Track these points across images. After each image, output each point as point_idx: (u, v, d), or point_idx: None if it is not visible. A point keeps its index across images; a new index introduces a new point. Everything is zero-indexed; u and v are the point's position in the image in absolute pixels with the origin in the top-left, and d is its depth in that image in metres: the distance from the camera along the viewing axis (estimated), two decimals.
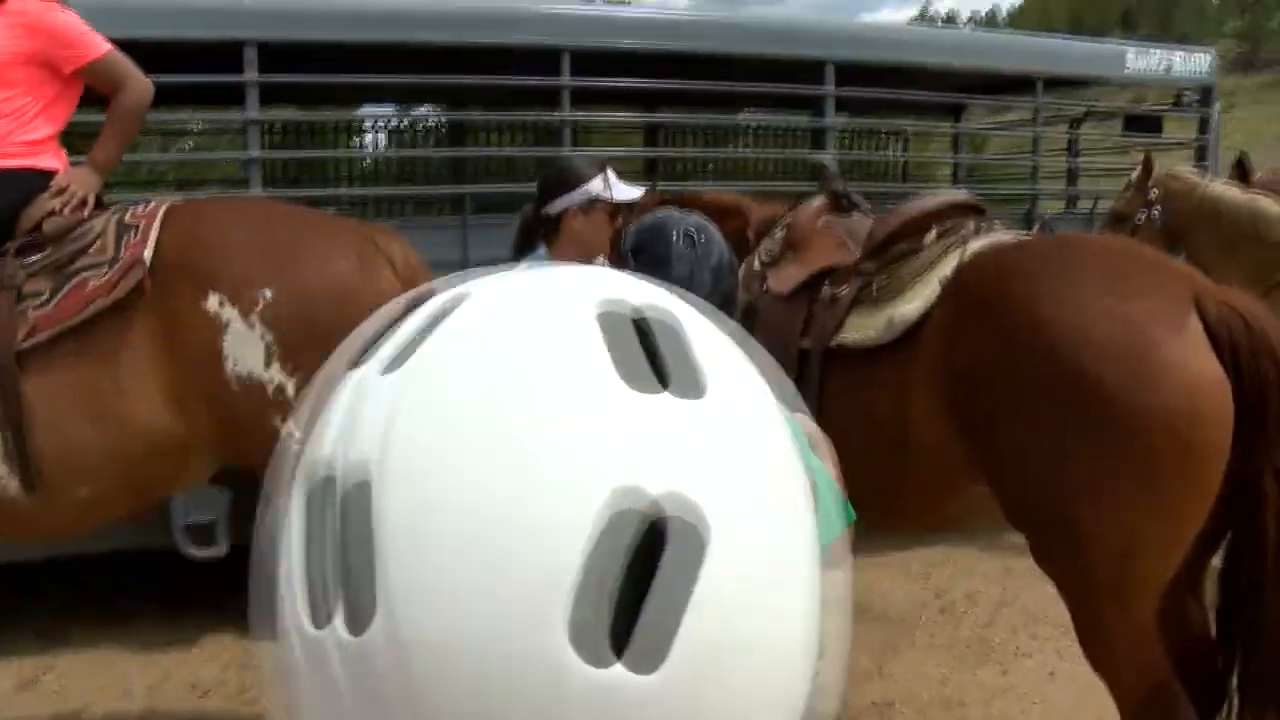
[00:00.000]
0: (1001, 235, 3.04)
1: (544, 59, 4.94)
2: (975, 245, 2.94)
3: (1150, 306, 2.48)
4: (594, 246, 3.15)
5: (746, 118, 7.04)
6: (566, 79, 4.92)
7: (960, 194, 3.26)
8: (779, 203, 3.79)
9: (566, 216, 3.11)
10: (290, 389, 2.78)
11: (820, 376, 3.05)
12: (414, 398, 0.61)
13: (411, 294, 0.73)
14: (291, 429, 0.74)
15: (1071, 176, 6.92)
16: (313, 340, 2.78)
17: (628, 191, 3.17)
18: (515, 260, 3.18)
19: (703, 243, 2.12)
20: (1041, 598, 4.83)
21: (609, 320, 0.64)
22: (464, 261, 4.43)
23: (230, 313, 2.76)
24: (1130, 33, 47.17)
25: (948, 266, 2.90)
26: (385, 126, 7.24)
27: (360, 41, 4.78)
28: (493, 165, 6.56)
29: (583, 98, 5.06)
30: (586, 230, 3.12)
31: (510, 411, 0.59)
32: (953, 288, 2.82)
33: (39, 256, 2.84)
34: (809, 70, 5.40)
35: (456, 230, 4.70)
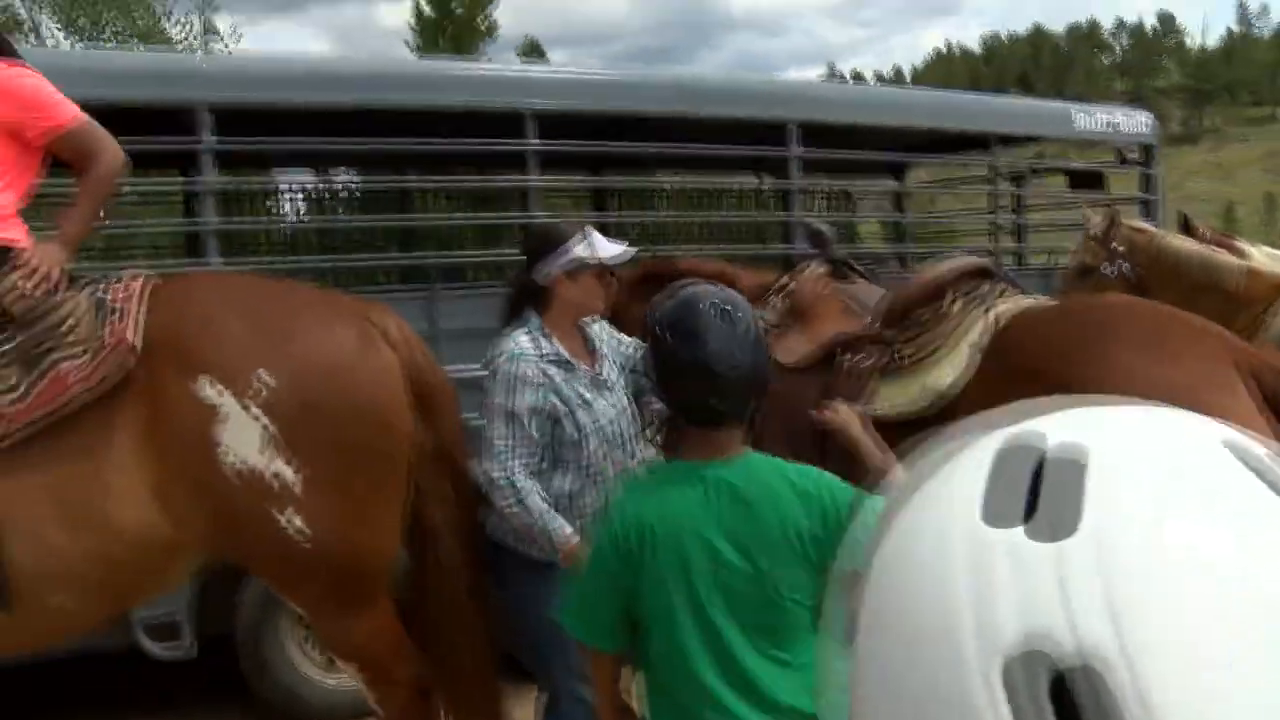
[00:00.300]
0: (1023, 299, 3.00)
1: (506, 122, 4.82)
2: (1002, 309, 2.90)
3: (1198, 370, 2.44)
4: (587, 310, 3.07)
5: (701, 180, 6.99)
6: (533, 142, 4.81)
7: (973, 259, 3.22)
8: (761, 269, 3.71)
9: (555, 284, 3.02)
10: (290, 477, 2.57)
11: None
12: (1127, 572, 0.48)
13: (986, 439, 0.57)
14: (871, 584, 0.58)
15: (1019, 232, 7.03)
16: (313, 425, 2.60)
17: (611, 250, 3.07)
18: (505, 328, 3.06)
19: (736, 316, 2.10)
20: None
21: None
22: (432, 333, 4.25)
23: (225, 398, 2.55)
24: (1027, 93, 49.15)
25: (975, 332, 2.85)
26: (341, 193, 7.06)
27: (318, 105, 4.60)
28: (456, 233, 6.40)
29: (543, 161, 4.95)
30: (576, 295, 3.03)
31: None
32: (989, 354, 2.76)
33: (5, 341, 2.59)
34: (771, 132, 5.38)
35: (422, 302, 4.52)
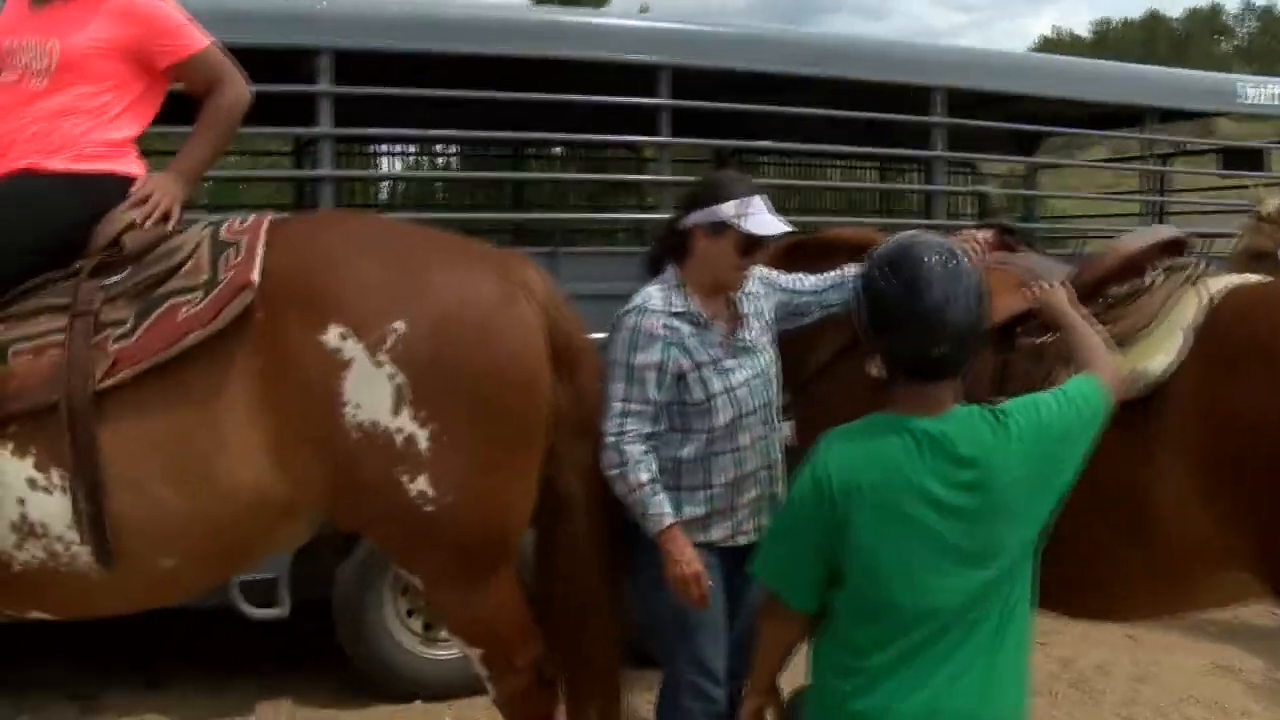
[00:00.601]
0: (1232, 276, 2.63)
1: (639, 77, 4.54)
2: (1217, 287, 2.53)
3: None
4: (720, 276, 2.78)
5: (849, 149, 6.64)
6: (665, 99, 4.52)
7: (1170, 229, 2.83)
8: None
9: (693, 236, 2.75)
10: (420, 439, 2.33)
11: None
12: None
13: None
14: None
15: (1161, 215, 6.53)
16: (448, 382, 2.35)
17: (767, 225, 2.75)
18: (647, 282, 2.83)
19: (960, 265, 2.07)
20: (1180, 671, 4.48)
21: None
22: None
23: (355, 348, 2.31)
24: None
25: (1188, 311, 2.48)
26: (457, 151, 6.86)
27: (436, 52, 4.37)
28: (577, 193, 6.17)
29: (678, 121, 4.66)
30: (710, 254, 2.74)
31: None
32: (1206, 336, 2.40)
33: (118, 278, 2.39)
34: (917, 97, 5.01)
35: (546, 260, 4.27)
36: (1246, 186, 6.48)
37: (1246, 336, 2.34)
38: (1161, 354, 2.41)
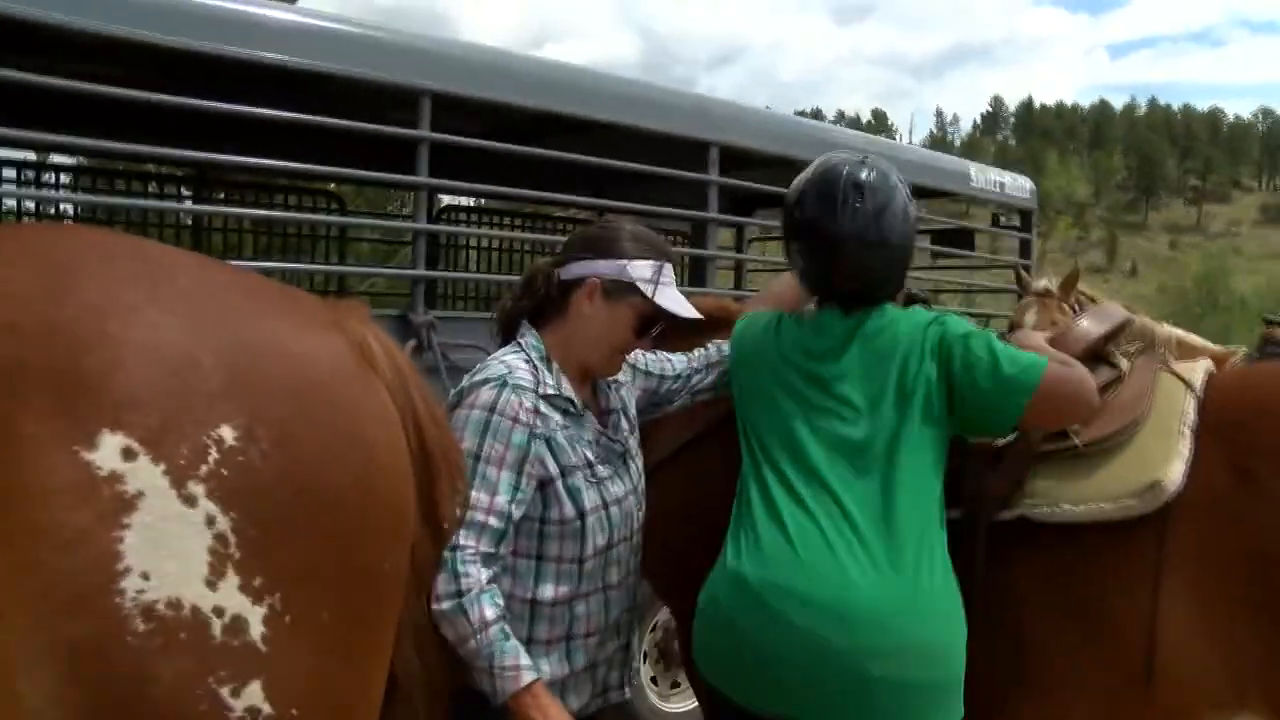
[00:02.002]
0: (1187, 363, 2.34)
1: None
2: (1196, 378, 2.21)
3: None
4: (602, 353, 2.17)
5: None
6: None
7: (1121, 309, 2.50)
8: None
9: (583, 291, 2.13)
10: (254, 625, 1.40)
11: (986, 562, 2.14)
12: None
13: None
14: None
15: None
16: (300, 523, 1.47)
17: (680, 305, 2.19)
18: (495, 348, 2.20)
19: (869, 188, 2.13)
20: None
21: None
22: None
23: (148, 474, 1.36)
24: None
25: (1180, 405, 2.13)
26: None
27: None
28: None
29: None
30: (601, 321, 2.14)
31: None
32: (1219, 439, 2.06)
33: None
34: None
35: None
36: (958, 267, 6.69)
37: (1265, 438, 2.03)
38: (1177, 460, 2.04)
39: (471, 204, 8.39)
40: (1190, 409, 2.12)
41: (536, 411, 2.01)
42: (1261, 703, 1.98)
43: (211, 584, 1.38)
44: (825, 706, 1.88)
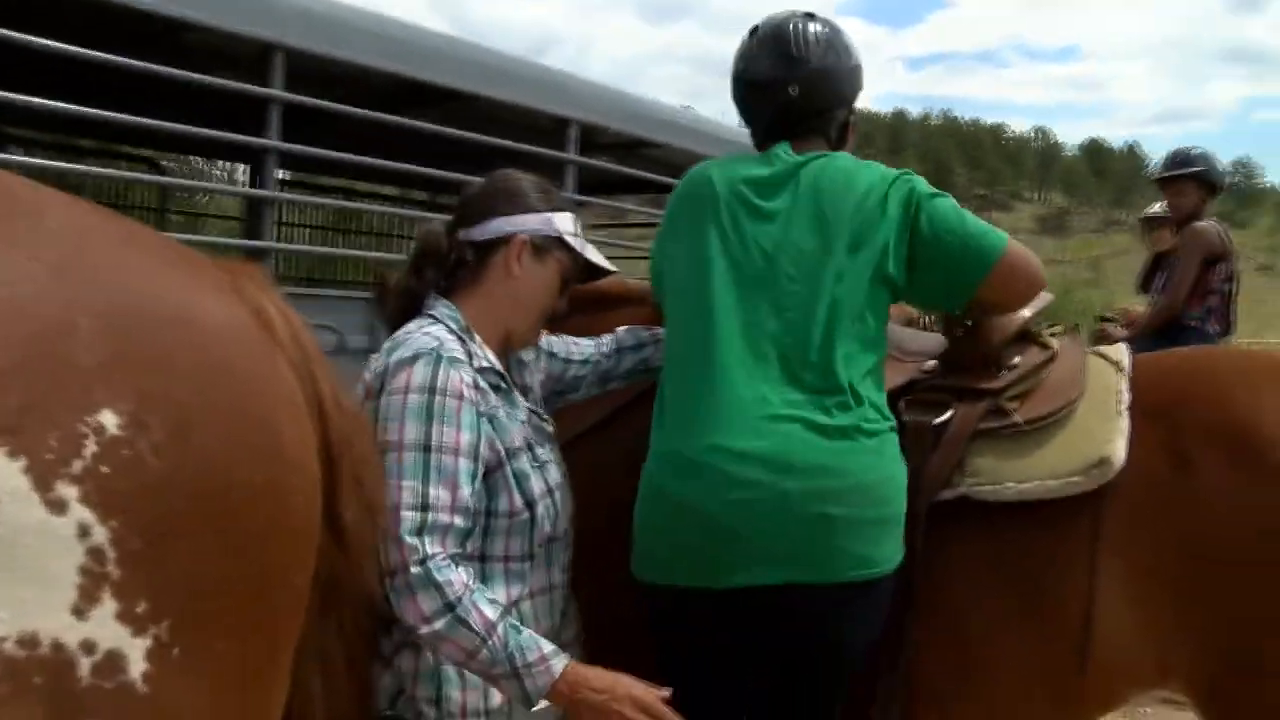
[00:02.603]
0: (1119, 345, 2.37)
1: None
2: (1125, 359, 2.23)
3: None
4: (532, 312, 1.98)
5: None
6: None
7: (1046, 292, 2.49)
8: None
9: (509, 249, 1.91)
10: (136, 661, 1.14)
11: (926, 543, 2.08)
12: None
13: None
14: None
15: None
16: (196, 533, 1.20)
17: (600, 259, 2.06)
18: (391, 330, 1.91)
19: (780, 30, 2.17)
20: None
21: None
22: None
23: (6, 473, 1.08)
24: None
25: (1114, 384, 2.13)
26: None
27: None
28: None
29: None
30: (529, 280, 1.94)
31: None
32: (1153, 419, 2.05)
33: None
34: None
35: None
36: None
37: (1199, 423, 2.02)
38: (1120, 437, 2.03)
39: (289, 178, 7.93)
40: (1124, 389, 2.12)
41: (476, 387, 1.79)
42: (1183, 684, 2.00)
43: (80, 612, 1.09)
44: (789, 556, 1.81)
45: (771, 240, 2.00)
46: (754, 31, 2.23)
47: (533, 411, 1.97)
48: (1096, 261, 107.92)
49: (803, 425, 1.86)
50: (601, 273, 2.09)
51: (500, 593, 1.78)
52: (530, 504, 1.83)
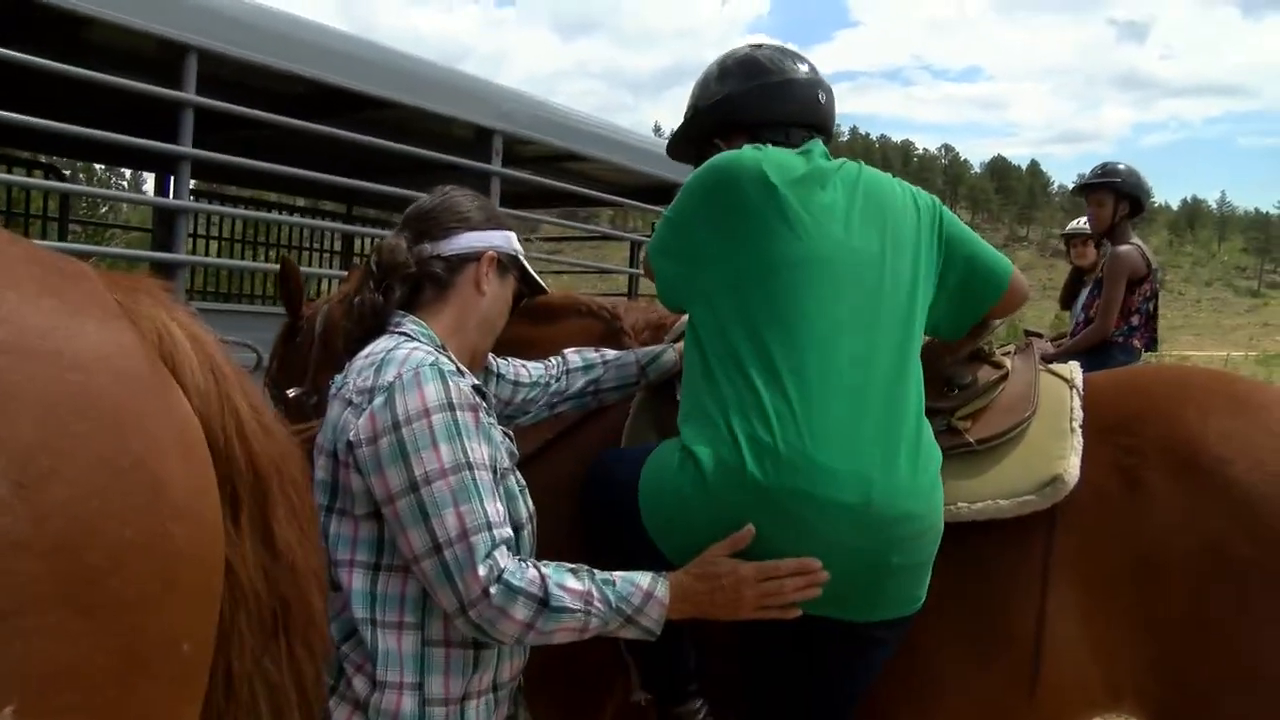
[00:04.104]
0: (1071, 363, 2.33)
1: None
2: (1077, 377, 2.21)
3: None
4: (495, 331, 1.90)
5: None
6: None
7: None
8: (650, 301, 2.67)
9: (478, 265, 1.82)
10: None
11: None
12: None
13: None
14: None
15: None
16: (53, 600, 1.02)
17: (539, 281, 2.00)
18: (353, 350, 1.77)
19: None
20: None
21: None
22: None
23: None
24: None
25: (1068, 402, 2.11)
26: None
27: None
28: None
29: None
30: (496, 297, 1.86)
31: None
32: (1105, 438, 2.03)
33: None
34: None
35: None
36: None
37: (1149, 441, 1.99)
38: (1073, 455, 2.00)
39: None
40: (1077, 406, 2.09)
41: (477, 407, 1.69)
42: (1135, 706, 1.97)
43: None
44: (838, 593, 1.74)
45: (836, 234, 1.89)
46: (759, 47, 2.21)
47: (506, 432, 1.86)
48: None
49: (883, 469, 1.80)
50: (538, 292, 2.02)
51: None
52: (519, 528, 1.74)
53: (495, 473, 1.66)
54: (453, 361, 1.74)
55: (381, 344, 1.72)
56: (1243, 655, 1.82)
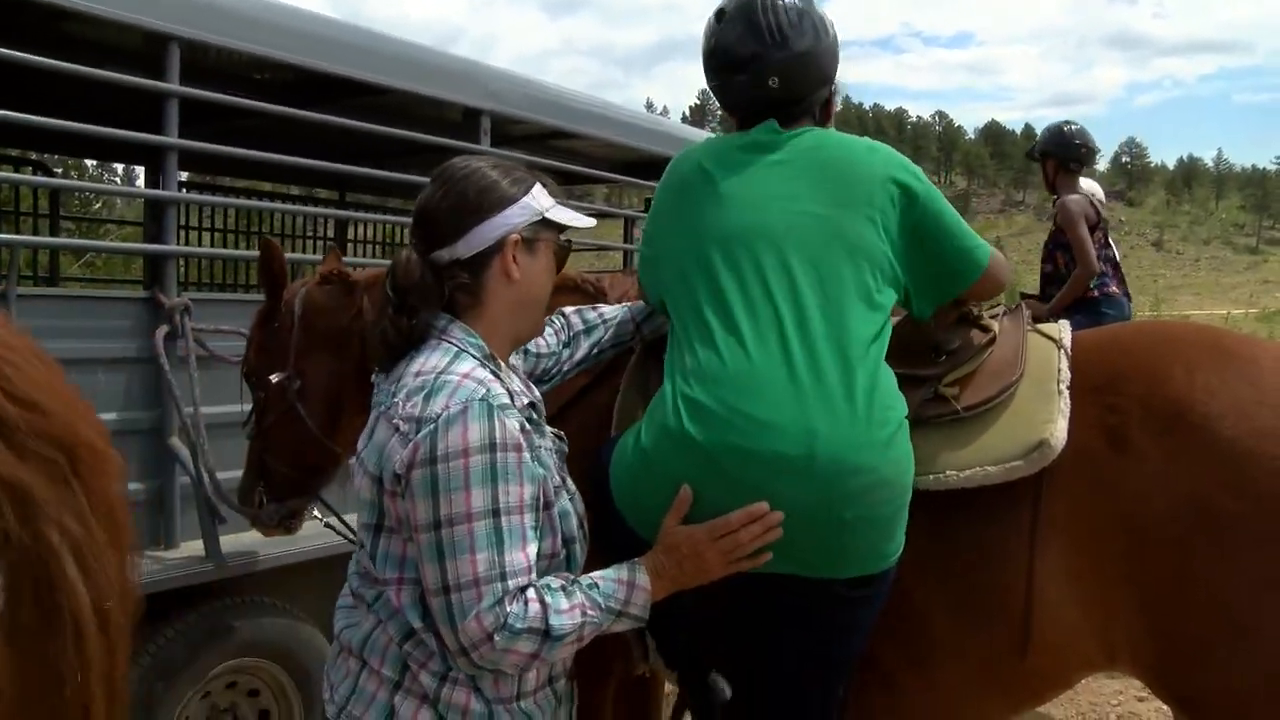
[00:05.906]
0: (1061, 323, 2.34)
1: None
2: (1065, 337, 2.21)
3: None
4: (538, 309, 1.85)
5: None
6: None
7: None
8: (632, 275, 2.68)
9: (501, 255, 1.74)
10: None
11: None
12: None
13: None
14: None
15: None
16: None
17: (579, 218, 1.88)
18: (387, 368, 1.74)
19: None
20: None
21: None
22: None
23: None
24: None
25: (1055, 364, 2.11)
26: None
27: None
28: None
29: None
30: (530, 277, 1.78)
31: None
32: (1094, 399, 2.04)
33: None
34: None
35: None
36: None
37: (1136, 400, 2.00)
38: (1060, 418, 2.01)
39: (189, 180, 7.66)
40: (1065, 367, 2.09)
41: (523, 431, 1.64)
42: (1129, 664, 1.99)
43: None
44: (797, 551, 1.76)
45: (779, 195, 1.95)
46: (720, 15, 2.10)
47: (556, 435, 1.87)
48: (999, 242, 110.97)
49: (829, 422, 1.80)
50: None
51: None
52: (569, 542, 1.75)
53: (537, 510, 1.65)
54: (503, 374, 1.72)
55: (433, 361, 1.67)
56: (1232, 611, 1.83)
